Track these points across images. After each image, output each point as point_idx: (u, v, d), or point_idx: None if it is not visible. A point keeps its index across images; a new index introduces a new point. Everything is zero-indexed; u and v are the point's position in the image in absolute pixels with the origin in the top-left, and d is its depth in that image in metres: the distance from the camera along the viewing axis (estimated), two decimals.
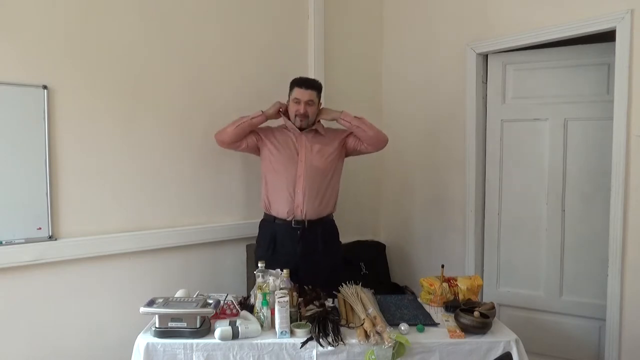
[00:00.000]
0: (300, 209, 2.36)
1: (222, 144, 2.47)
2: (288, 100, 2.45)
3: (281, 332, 1.83)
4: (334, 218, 2.54)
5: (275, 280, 2.02)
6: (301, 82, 2.40)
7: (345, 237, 2.65)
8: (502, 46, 2.72)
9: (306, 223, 2.37)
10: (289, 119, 2.45)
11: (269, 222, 2.45)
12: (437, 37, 3.06)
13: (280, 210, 2.39)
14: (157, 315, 1.85)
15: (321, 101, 2.50)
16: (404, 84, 3.30)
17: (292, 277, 2.09)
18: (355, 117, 2.43)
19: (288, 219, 2.38)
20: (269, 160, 2.45)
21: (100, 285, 2.35)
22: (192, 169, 2.61)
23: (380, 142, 2.48)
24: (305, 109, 2.37)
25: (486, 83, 2.89)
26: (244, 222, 2.75)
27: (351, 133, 2.47)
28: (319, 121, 2.49)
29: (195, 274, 2.63)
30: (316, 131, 2.46)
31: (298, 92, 2.38)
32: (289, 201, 2.37)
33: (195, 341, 1.81)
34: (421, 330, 1.91)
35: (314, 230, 2.39)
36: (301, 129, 2.43)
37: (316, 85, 2.43)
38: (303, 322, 1.92)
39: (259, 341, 1.81)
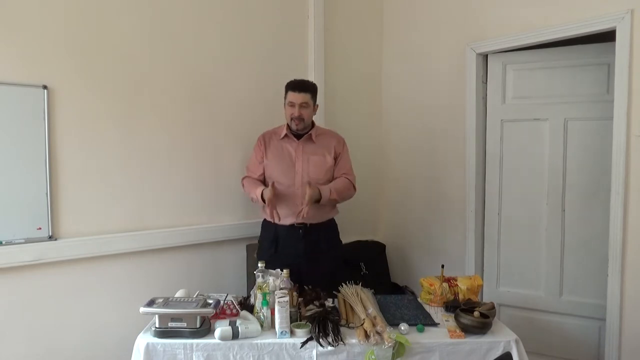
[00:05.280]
0: (302, 215, 2.34)
1: None
2: (284, 104, 2.44)
3: (281, 332, 1.83)
4: (334, 219, 2.55)
5: (275, 280, 2.02)
6: (294, 86, 2.39)
7: (345, 237, 2.65)
8: (502, 46, 2.72)
9: (308, 224, 2.39)
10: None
11: (271, 223, 2.44)
12: (437, 37, 3.06)
13: (282, 218, 2.38)
14: (157, 315, 1.85)
15: (317, 103, 2.49)
16: (403, 84, 3.29)
17: (294, 276, 2.09)
18: (330, 198, 2.36)
19: (290, 223, 2.40)
20: (270, 170, 2.47)
21: (100, 285, 2.35)
22: (192, 168, 2.61)
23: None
24: (300, 112, 2.37)
25: (486, 83, 2.89)
26: (244, 222, 2.75)
27: (339, 155, 2.49)
28: (313, 126, 2.49)
29: (196, 274, 2.63)
30: (311, 138, 2.45)
31: (292, 96, 2.38)
32: (290, 209, 2.39)
33: (195, 341, 1.81)
34: (421, 330, 1.91)
35: (317, 231, 2.41)
36: (297, 133, 2.44)
37: (309, 88, 2.42)
38: (303, 322, 1.92)
39: (259, 341, 1.81)
